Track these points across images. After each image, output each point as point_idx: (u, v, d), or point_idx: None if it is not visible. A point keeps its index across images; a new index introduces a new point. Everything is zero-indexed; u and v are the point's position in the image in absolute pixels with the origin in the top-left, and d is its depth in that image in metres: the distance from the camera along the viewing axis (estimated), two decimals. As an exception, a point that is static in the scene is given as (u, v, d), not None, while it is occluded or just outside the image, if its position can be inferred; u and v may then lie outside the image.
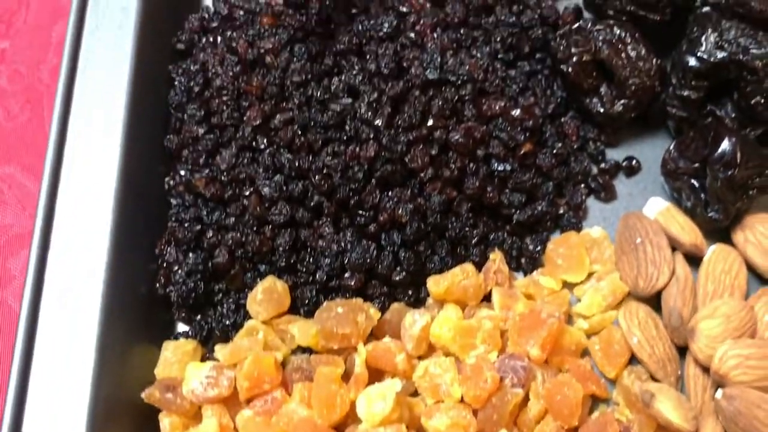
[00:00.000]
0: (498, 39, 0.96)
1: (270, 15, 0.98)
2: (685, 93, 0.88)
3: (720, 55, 0.85)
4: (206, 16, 1.02)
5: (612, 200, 0.93)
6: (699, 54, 0.86)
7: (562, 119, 0.95)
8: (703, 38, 0.86)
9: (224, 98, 0.92)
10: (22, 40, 1.07)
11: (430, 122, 0.88)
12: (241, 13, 1.00)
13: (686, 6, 0.93)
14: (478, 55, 0.94)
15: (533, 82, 0.96)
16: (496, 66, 0.95)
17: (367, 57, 0.92)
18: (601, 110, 0.91)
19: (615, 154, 0.95)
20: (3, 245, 0.95)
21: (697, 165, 0.86)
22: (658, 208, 0.88)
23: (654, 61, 0.89)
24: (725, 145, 0.82)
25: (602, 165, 0.93)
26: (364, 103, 0.89)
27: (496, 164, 0.89)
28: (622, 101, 0.90)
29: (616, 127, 0.94)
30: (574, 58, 0.89)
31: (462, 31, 0.96)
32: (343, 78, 0.91)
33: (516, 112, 0.90)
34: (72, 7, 0.96)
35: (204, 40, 0.99)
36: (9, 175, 0.98)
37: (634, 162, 0.93)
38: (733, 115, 0.88)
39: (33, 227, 0.93)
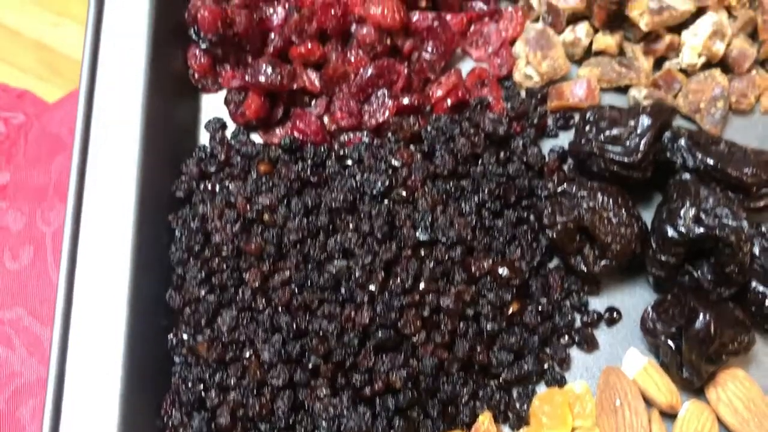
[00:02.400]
0: (486, 190, 0.99)
1: (266, 162, 1.02)
2: (664, 258, 0.92)
3: (698, 230, 0.89)
4: (203, 156, 1.05)
5: (594, 351, 0.98)
6: (678, 227, 0.90)
7: (548, 267, 1.00)
8: (682, 212, 0.90)
9: (224, 255, 0.96)
10: (22, 174, 1.09)
11: (422, 286, 0.93)
12: (239, 159, 1.03)
13: (667, 166, 0.97)
14: (467, 208, 0.98)
15: (519, 231, 1.00)
16: (484, 218, 0.99)
17: (361, 215, 0.96)
18: (584, 269, 0.95)
19: (596, 302, 1.00)
20: (12, 394, 0.98)
21: (673, 330, 0.91)
22: (637, 367, 0.93)
23: (635, 225, 0.94)
24: (700, 322, 0.87)
25: (585, 318, 0.98)
26: (358, 266, 0.93)
27: (484, 323, 0.94)
28: (604, 262, 0.94)
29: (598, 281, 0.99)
30: (559, 226, 0.93)
31: (451, 183, 0.99)
32: (338, 239, 0.95)
33: (503, 271, 0.94)
34: (73, 160, 0.99)
35: (202, 186, 1.02)
36: (16, 319, 1.02)
37: (615, 314, 0.98)
38: (710, 277, 0.93)
39: (41, 375, 0.97)
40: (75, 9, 1.47)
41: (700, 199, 0.91)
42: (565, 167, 1.05)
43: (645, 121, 0.97)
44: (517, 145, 1.03)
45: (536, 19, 1.12)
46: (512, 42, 1.11)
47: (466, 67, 1.12)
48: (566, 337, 0.97)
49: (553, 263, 1.01)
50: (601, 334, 0.99)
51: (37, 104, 1.34)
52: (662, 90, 1.06)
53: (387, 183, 0.97)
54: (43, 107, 1.32)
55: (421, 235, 0.95)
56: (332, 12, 1.03)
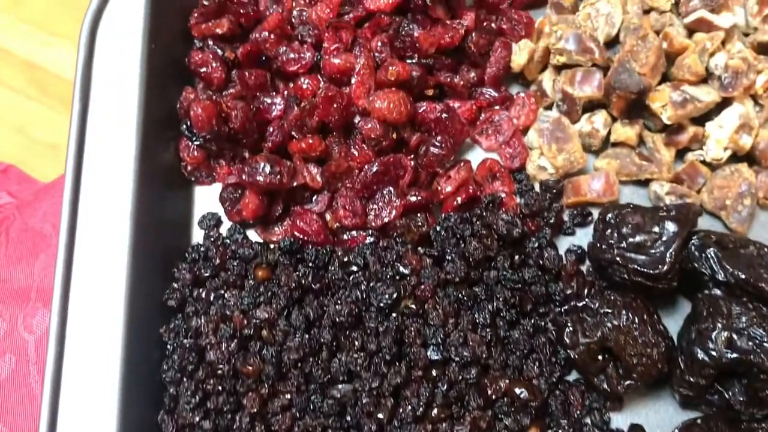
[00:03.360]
0: (501, 298, 0.93)
1: (264, 267, 0.95)
2: (693, 379, 0.86)
3: (731, 356, 0.83)
4: (197, 257, 0.98)
5: (617, 473, 0.91)
6: (709, 351, 0.84)
7: (567, 382, 0.93)
8: (714, 334, 0.84)
9: (219, 375, 0.89)
10: (2, 275, 1.02)
11: (435, 412, 0.86)
12: (235, 263, 0.96)
13: (694, 274, 0.91)
14: (480, 319, 0.91)
15: (536, 341, 0.93)
16: (499, 328, 0.92)
17: (368, 331, 0.90)
18: (607, 388, 0.89)
19: (619, 418, 0.93)
20: None
21: (704, 457, 0.85)
22: (665, 496, 0.87)
23: (662, 344, 0.87)
24: (735, 457, 0.81)
25: (607, 439, 0.91)
26: (365, 391, 0.86)
27: (501, 450, 0.87)
28: (628, 382, 0.88)
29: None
30: (582, 347, 0.87)
31: (463, 292, 0.93)
32: (342, 359, 0.88)
33: (521, 393, 0.88)
34: (58, 261, 0.92)
35: (196, 293, 0.96)
36: (-5, 438, 0.95)
37: (639, 433, 0.92)
38: (741, 399, 0.87)
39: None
40: (66, 28, 1.42)
41: (732, 318, 0.85)
42: (584, 268, 0.98)
43: (670, 227, 0.90)
44: (532, 248, 0.96)
45: (549, 106, 1.05)
46: (524, 130, 1.05)
47: (475, 154, 1.05)
48: (588, 459, 0.91)
49: (573, 376, 0.94)
50: (625, 454, 0.92)
51: (21, 180, 1.28)
52: (685, 185, 1.00)
53: (395, 295, 0.90)
54: (27, 186, 1.25)
55: (433, 355, 0.88)
56: (335, 105, 0.97)
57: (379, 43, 1.01)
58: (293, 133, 0.98)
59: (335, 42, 1.02)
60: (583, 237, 1.01)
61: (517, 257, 0.96)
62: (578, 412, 0.91)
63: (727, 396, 0.87)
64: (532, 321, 0.94)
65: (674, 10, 1.04)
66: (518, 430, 0.87)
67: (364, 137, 0.98)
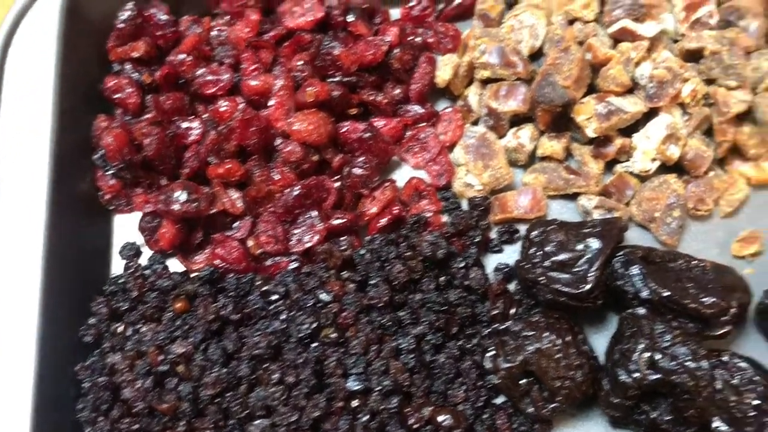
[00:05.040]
0: (426, 322, 0.90)
1: (183, 299, 0.92)
2: (617, 401, 0.85)
3: (653, 377, 0.81)
4: (115, 290, 0.95)
5: (547, 499, 0.90)
6: (632, 373, 0.82)
7: (494, 404, 0.91)
8: (635, 356, 0.82)
9: (134, 412, 0.86)
10: None
11: (355, 444, 0.84)
12: (153, 295, 0.93)
13: (619, 295, 0.89)
14: (405, 344, 0.89)
15: (462, 365, 0.91)
16: (424, 353, 0.90)
17: (287, 363, 0.87)
18: (533, 412, 0.87)
19: (550, 440, 0.92)
20: None
21: (633, 481, 0.84)
22: None
23: (586, 366, 0.86)
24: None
25: (536, 463, 0.89)
26: (283, 426, 0.84)
27: (426, 479, 0.85)
28: (553, 405, 0.86)
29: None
30: (503, 372, 0.85)
31: (387, 317, 0.90)
32: (260, 393, 0.86)
33: (444, 420, 0.86)
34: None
35: (112, 328, 0.93)
36: None
37: (569, 457, 0.90)
38: (667, 418, 0.85)
39: None
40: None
41: (654, 338, 0.83)
42: (511, 286, 0.97)
43: (594, 244, 0.89)
44: (457, 268, 0.94)
45: (476, 122, 1.03)
46: (452, 147, 1.02)
47: (402, 172, 1.03)
48: (516, 485, 0.89)
49: (501, 398, 0.92)
50: (555, 477, 0.91)
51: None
52: (614, 197, 0.98)
53: (315, 324, 0.88)
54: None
55: (353, 385, 0.86)
56: (252, 128, 0.94)
57: (300, 63, 0.99)
58: (211, 158, 0.96)
59: (254, 62, 0.99)
60: (512, 254, 0.99)
61: (442, 278, 0.94)
62: (506, 434, 0.89)
63: (653, 416, 0.86)
64: (459, 344, 0.92)
65: (599, 20, 1.02)
66: (443, 458, 0.85)
67: (285, 160, 0.96)
